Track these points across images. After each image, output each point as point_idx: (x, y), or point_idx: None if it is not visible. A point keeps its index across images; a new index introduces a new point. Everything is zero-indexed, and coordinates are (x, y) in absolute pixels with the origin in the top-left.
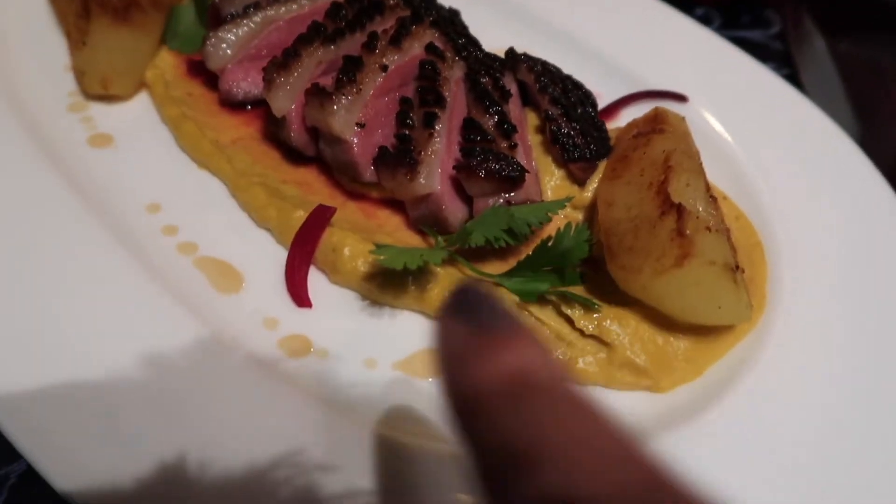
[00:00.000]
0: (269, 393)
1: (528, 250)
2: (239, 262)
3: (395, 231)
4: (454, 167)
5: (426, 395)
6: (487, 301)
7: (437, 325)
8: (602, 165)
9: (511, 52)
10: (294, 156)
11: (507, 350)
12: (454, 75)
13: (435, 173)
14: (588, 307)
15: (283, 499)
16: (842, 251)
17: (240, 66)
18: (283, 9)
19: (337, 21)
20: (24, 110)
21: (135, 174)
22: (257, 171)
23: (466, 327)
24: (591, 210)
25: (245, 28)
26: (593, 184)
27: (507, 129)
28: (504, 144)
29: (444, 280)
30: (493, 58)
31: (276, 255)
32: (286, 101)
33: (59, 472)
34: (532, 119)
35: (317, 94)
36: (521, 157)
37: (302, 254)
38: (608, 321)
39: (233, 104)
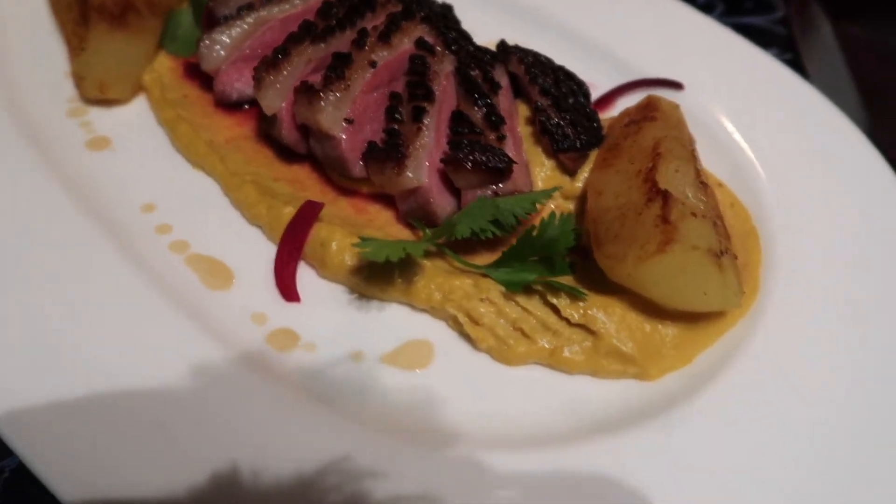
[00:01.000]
0: (255, 386)
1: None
2: (230, 259)
3: (385, 226)
4: (441, 160)
5: (412, 386)
6: None
7: None
8: (593, 155)
9: (502, 44)
10: (287, 154)
11: None
12: (444, 69)
13: (422, 167)
14: (574, 296)
15: (265, 490)
16: (839, 239)
17: (234, 67)
18: (276, 9)
19: (328, 19)
20: (24, 116)
21: (131, 175)
22: (250, 170)
23: None
24: (583, 200)
25: (238, 29)
26: (584, 173)
27: (496, 121)
28: (492, 136)
29: (431, 272)
30: (485, 51)
31: (266, 252)
32: (276, 99)
33: (45, 464)
34: (524, 111)
35: (305, 92)
36: (509, 149)
37: (290, 249)
38: (594, 309)
39: (228, 104)
